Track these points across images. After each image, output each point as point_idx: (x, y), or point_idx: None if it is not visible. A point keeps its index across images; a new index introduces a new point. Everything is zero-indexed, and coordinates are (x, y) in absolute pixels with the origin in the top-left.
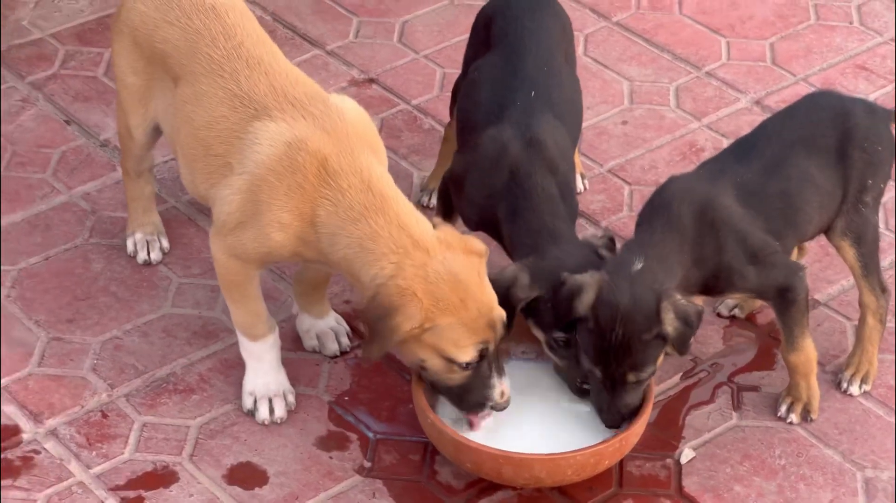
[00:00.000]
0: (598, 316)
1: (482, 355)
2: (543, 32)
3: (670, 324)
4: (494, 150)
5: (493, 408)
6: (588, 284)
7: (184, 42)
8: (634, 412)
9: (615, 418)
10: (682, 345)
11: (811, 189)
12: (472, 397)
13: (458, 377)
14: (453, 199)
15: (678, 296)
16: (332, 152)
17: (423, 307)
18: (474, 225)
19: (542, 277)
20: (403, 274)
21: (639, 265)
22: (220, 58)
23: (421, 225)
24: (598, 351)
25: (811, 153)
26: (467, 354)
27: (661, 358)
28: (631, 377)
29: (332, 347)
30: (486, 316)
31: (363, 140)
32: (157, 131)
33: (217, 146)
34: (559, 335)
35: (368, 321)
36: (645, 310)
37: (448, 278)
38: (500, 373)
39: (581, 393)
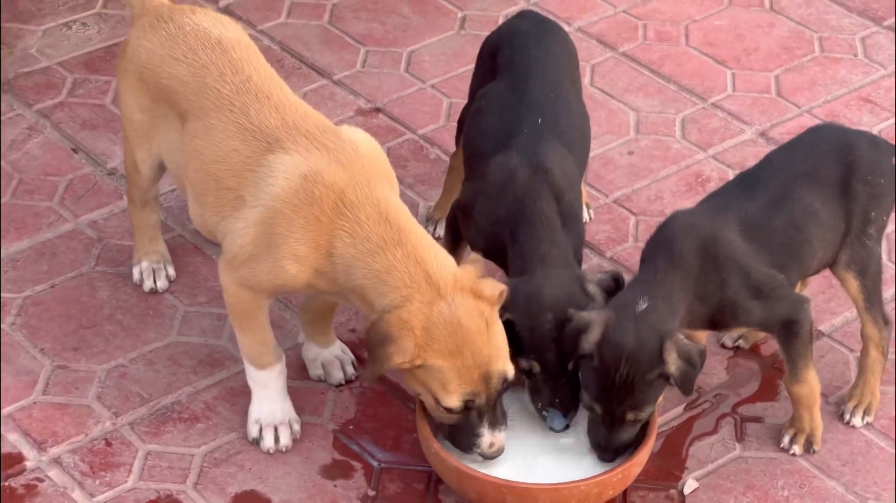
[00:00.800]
0: (602, 354)
1: (468, 406)
2: (550, 60)
3: (673, 364)
4: (501, 176)
5: (481, 455)
6: (595, 322)
7: (191, 77)
8: (629, 445)
9: (611, 455)
10: (686, 385)
11: (815, 223)
12: (461, 440)
13: (447, 417)
14: (461, 228)
15: (681, 337)
16: (349, 184)
17: (417, 344)
18: (482, 253)
19: (517, 301)
20: (409, 307)
21: (643, 305)
22: (228, 92)
23: (439, 260)
24: (600, 388)
25: (815, 187)
26: (452, 401)
27: (661, 397)
28: (630, 416)
29: (338, 376)
30: (480, 367)
31: (378, 171)
32: (163, 165)
33: (229, 179)
34: (523, 361)
35: (368, 345)
36: (649, 351)
37: (450, 322)
38: (495, 424)
39: (543, 418)
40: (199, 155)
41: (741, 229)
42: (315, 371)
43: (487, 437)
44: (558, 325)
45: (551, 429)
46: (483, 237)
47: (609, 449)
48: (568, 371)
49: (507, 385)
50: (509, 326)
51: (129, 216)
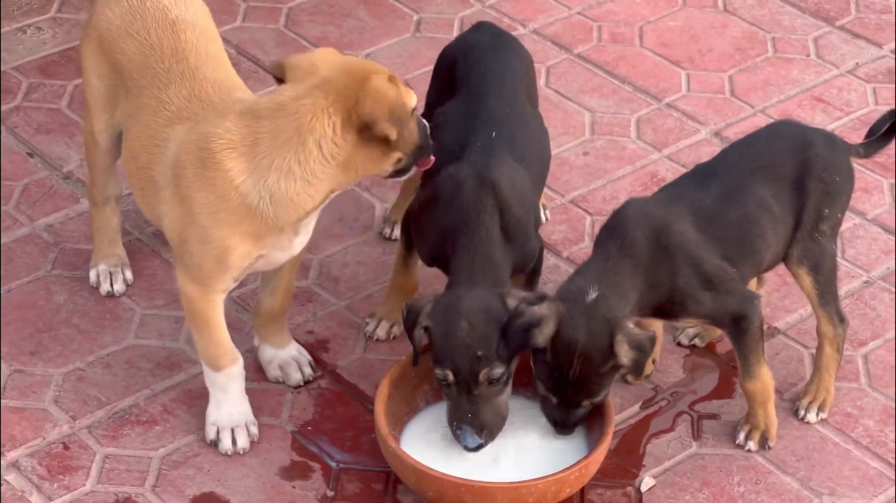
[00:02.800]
0: (555, 350)
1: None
2: (507, 73)
3: (626, 356)
4: (449, 187)
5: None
6: (547, 316)
7: (138, 55)
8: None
9: (570, 430)
10: (637, 371)
11: (768, 217)
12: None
13: (413, 132)
14: (413, 235)
15: (631, 326)
16: (223, 127)
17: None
18: (429, 260)
19: (437, 311)
20: (334, 88)
21: (594, 294)
22: (161, 71)
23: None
24: (555, 383)
25: (770, 181)
26: (413, 97)
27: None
28: (586, 403)
29: (296, 377)
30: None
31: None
32: (120, 137)
33: (143, 156)
34: (438, 370)
35: (395, 120)
36: (600, 346)
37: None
38: None
39: (457, 438)
40: (127, 132)
41: (694, 220)
42: (273, 373)
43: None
44: (472, 334)
45: (465, 447)
46: (428, 245)
47: (567, 424)
48: (479, 381)
49: None
50: (429, 335)
51: (90, 217)
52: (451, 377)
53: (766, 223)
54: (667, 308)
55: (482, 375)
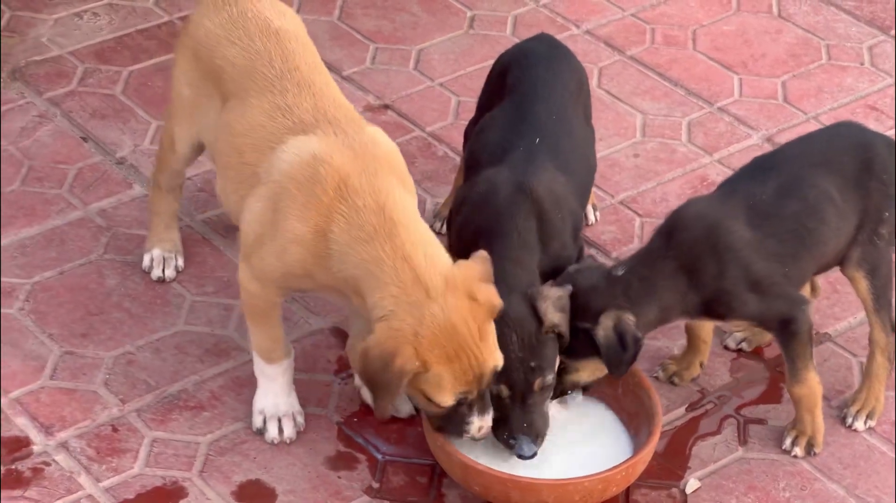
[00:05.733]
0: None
1: (460, 402)
2: (558, 83)
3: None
4: (487, 189)
5: (471, 438)
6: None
7: (242, 61)
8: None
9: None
10: (610, 359)
11: (828, 207)
12: (451, 428)
13: (437, 411)
14: (450, 233)
15: (630, 317)
16: (355, 170)
17: (417, 352)
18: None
19: None
20: (398, 314)
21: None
22: (273, 76)
23: (429, 258)
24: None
25: (831, 176)
26: (446, 400)
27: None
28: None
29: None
30: (475, 369)
31: (390, 166)
32: (198, 147)
33: (249, 154)
34: (493, 389)
35: (369, 377)
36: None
37: (444, 326)
38: (483, 411)
39: (510, 447)
40: (230, 128)
41: (748, 217)
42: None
43: (476, 423)
44: (523, 346)
45: (520, 457)
46: (463, 245)
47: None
48: (534, 391)
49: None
50: None
51: (150, 201)
52: (505, 392)
53: (828, 212)
54: (712, 308)
55: (537, 384)
